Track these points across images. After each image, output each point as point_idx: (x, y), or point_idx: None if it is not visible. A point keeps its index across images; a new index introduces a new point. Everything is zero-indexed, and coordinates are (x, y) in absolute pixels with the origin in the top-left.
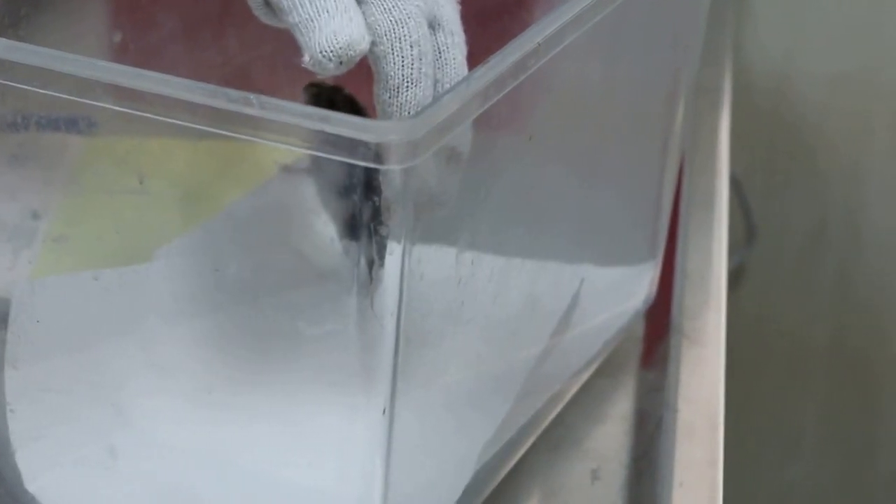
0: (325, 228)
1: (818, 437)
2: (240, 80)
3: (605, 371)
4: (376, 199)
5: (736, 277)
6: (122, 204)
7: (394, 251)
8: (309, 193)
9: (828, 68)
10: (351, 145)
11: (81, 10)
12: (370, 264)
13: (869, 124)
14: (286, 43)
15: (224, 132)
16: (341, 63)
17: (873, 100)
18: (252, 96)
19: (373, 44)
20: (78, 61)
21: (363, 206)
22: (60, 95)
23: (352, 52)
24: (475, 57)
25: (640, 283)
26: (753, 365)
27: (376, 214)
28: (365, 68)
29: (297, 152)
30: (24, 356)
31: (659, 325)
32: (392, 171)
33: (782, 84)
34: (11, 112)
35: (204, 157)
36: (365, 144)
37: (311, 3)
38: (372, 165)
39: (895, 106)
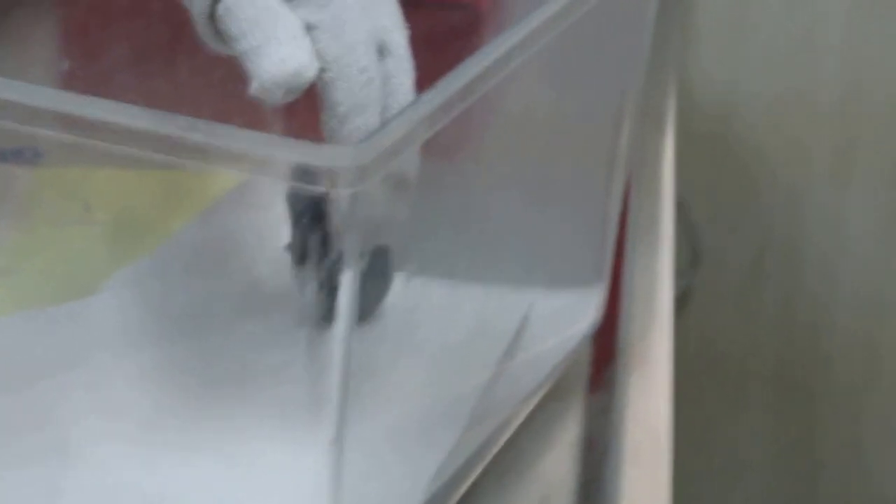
0: (275, 254)
1: (763, 459)
2: (189, 108)
3: (554, 395)
4: (325, 225)
5: (682, 301)
6: (69, 235)
7: (343, 278)
8: (258, 218)
9: (769, 92)
10: (298, 170)
11: (29, 37)
12: (320, 291)
13: (809, 148)
14: (236, 70)
15: (172, 159)
16: (289, 91)
17: (813, 123)
18: (199, 122)
19: (321, 70)
20: (23, 88)
21: (312, 232)
22: (5, 123)
23: (300, 80)
24: (425, 82)
25: (587, 307)
26: (700, 388)
27: (325, 241)
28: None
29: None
30: None
31: (606, 348)
32: (340, 197)
33: (726, 108)
34: None
35: (151, 186)
36: (312, 169)
37: (259, 31)
38: (319, 190)
39: (834, 129)
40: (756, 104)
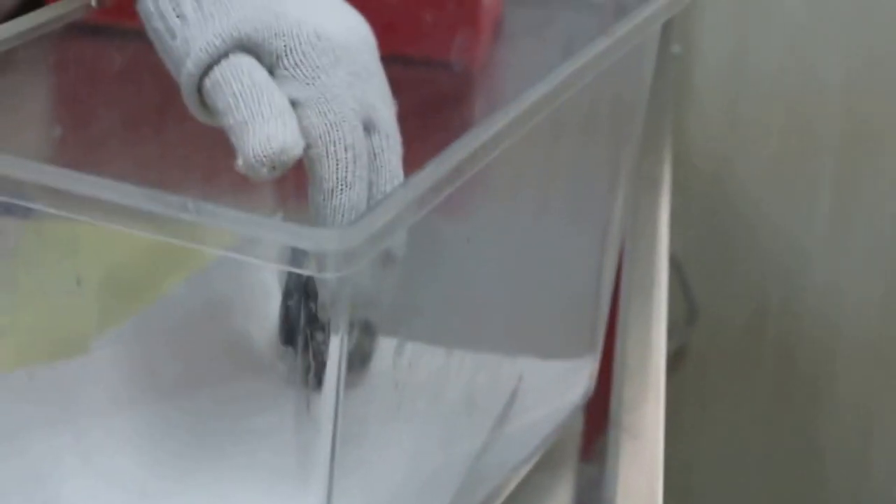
0: (264, 317)
1: None
2: (179, 173)
3: (545, 465)
4: (312, 304)
5: (677, 359)
6: (56, 300)
7: (330, 353)
8: (249, 280)
9: (765, 151)
10: (286, 252)
11: (22, 104)
12: (307, 368)
13: (808, 202)
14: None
15: (160, 237)
16: (274, 168)
17: (812, 178)
18: (189, 202)
19: (307, 146)
20: (14, 162)
21: (299, 310)
22: None
23: (285, 158)
24: (416, 144)
25: (579, 377)
26: (694, 449)
27: (312, 319)
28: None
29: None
30: None
31: (598, 418)
32: (328, 279)
33: (723, 166)
34: None
35: (143, 247)
36: (301, 252)
37: (245, 106)
38: (307, 273)
39: (832, 187)
40: (753, 161)
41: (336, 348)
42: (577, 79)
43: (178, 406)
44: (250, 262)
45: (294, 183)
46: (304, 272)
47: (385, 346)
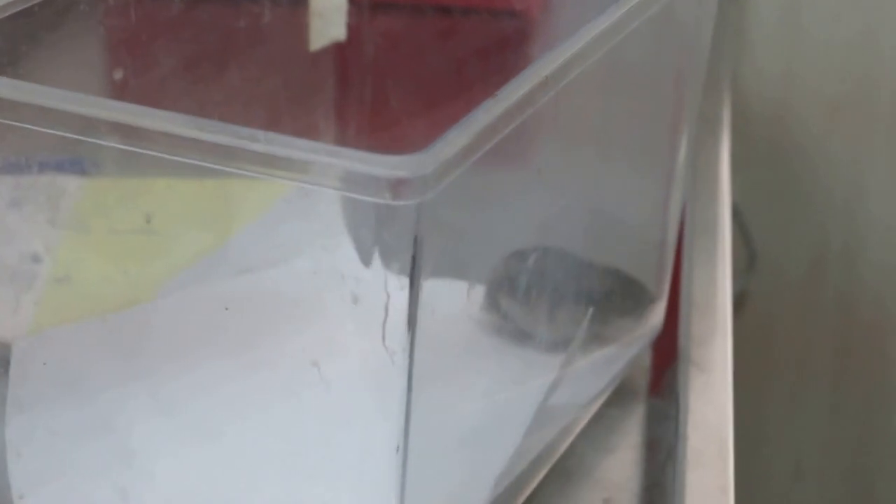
0: (334, 259)
1: (824, 462)
2: (242, 116)
3: (615, 401)
4: (387, 233)
5: (739, 304)
6: (126, 242)
7: (405, 286)
8: (311, 227)
9: (825, 92)
10: (361, 180)
11: (81, 47)
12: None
13: (867, 147)
14: (289, 77)
15: (231, 169)
16: None
17: (871, 122)
18: (259, 132)
19: None
20: (83, 100)
21: (375, 240)
22: (64, 135)
23: None
24: (478, 90)
25: (648, 315)
26: (759, 390)
27: (388, 249)
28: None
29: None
30: (30, 400)
31: (666, 353)
32: (403, 206)
33: (781, 110)
34: (14, 153)
35: (210, 195)
36: (376, 179)
37: None
38: (382, 201)
39: (890, 128)
40: (812, 104)
41: (415, 278)
42: (636, 16)
43: (248, 349)
44: (325, 190)
45: (355, 128)
46: (380, 200)
47: (459, 286)
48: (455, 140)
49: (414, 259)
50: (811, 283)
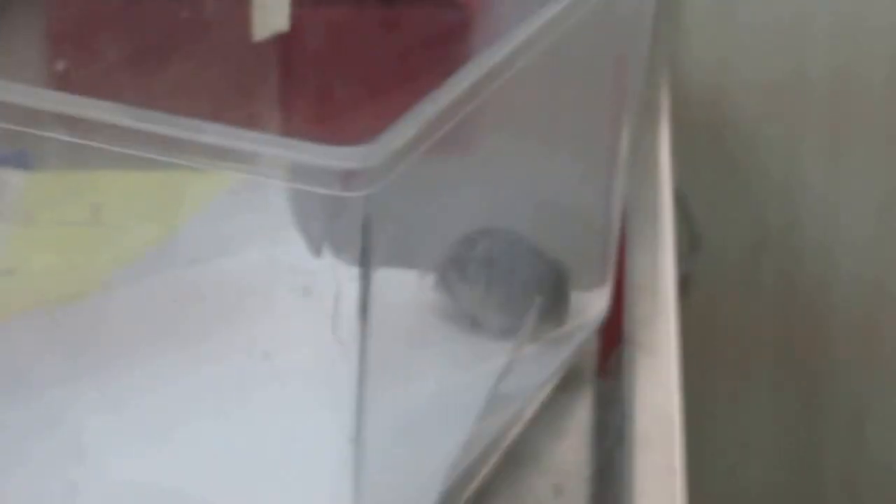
0: (284, 250)
1: (769, 439)
2: (187, 107)
3: (563, 386)
4: (337, 224)
5: (684, 286)
6: (71, 235)
7: (355, 277)
8: (255, 218)
9: (761, 77)
10: (311, 172)
11: (23, 38)
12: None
13: (802, 130)
14: (233, 68)
15: (178, 161)
16: None
17: (806, 105)
18: (206, 124)
19: None
20: (25, 91)
21: (325, 231)
22: (7, 127)
23: None
24: (421, 82)
25: (594, 300)
26: (704, 372)
27: (337, 240)
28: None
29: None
30: None
31: (612, 336)
32: (353, 198)
33: (718, 95)
34: None
35: (155, 186)
36: (325, 171)
37: None
38: (332, 193)
39: (826, 111)
40: (749, 89)
41: (364, 269)
42: (578, 7)
43: (199, 341)
44: (272, 183)
45: (299, 119)
46: (330, 192)
47: (409, 275)
48: (403, 131)
49: (364, 250)
50: (754, 264)
